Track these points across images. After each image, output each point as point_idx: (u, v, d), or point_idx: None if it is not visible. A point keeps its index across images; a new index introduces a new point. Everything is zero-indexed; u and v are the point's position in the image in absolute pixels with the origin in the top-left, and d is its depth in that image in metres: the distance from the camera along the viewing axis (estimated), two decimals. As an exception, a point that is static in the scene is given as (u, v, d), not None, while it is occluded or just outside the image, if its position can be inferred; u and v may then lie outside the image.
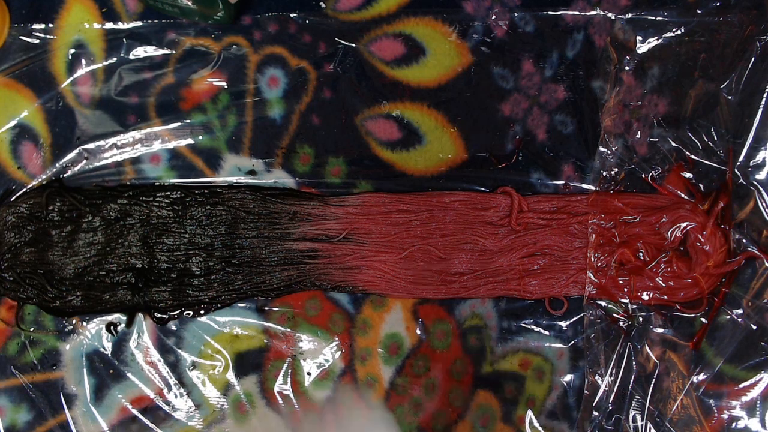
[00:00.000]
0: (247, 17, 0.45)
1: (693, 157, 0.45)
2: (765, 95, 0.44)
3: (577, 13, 0.45)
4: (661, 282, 0.45)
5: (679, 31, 0.45)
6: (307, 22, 0.45)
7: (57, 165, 0.45)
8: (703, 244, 0.44)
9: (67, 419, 0.44)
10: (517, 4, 0.45)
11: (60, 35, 0.45)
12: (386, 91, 0.46)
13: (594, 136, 0.46)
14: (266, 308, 0.45)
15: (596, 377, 0.45)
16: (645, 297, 0.45)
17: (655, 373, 0.45)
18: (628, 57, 0.45)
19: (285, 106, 0.45)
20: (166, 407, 0.45)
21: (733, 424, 0.44)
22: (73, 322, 0.45)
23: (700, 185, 0.45)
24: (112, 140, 0.45)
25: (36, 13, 0.45)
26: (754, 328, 0.43)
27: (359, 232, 0.45)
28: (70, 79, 0.45)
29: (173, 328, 0.45)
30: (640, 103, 0.45)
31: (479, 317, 0.45)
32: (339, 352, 0.45)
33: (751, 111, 0.44)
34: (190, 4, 0.42)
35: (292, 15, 0.46)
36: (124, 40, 0.45)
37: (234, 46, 0.45)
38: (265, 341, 0.45)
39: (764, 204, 0.44)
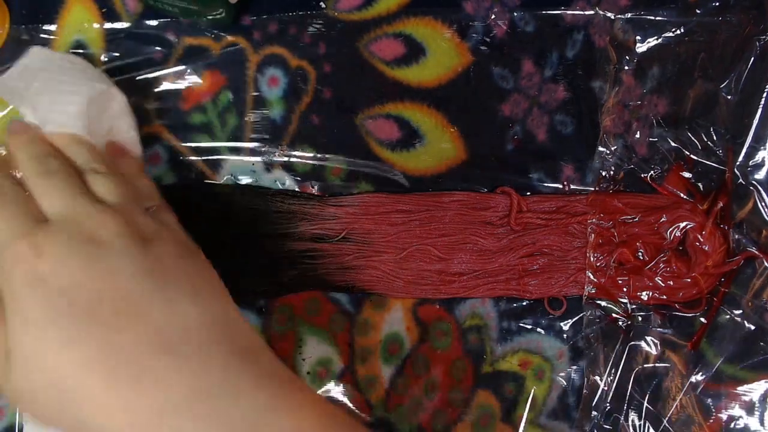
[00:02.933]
0: (247, 17, 0.45)
1: (692, 156, 0.45)
2: (764, 95, 0.44)
3: (577, 12, 0.45)
4: (660, 282, 0.45)
5: (678, 31, 0.45)
6: (307, 22, 0.45)
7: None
8: (702, 244, 0.44)
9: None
10: (516, 4, 0.45)
11: (60, 35, 0.45)
12: (386, 91, 0.46)
13: (594, 136, 0.46)
14: (266, 308, 0.45)
15: (595, 377, 0.45)
16: (644, 297, 0.45)
17: (654, 373, 0.45)
18: (627, 57, 0.45)
19: (285, 106, 0.45)
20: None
21: (732, 424, 0.44)
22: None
23: (700, 185, 0.45)
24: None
25: (36, 13, 0.45)
26: (753, 328, 0.44)
27: (358, 232, 0.45)
28: (70, 79, 0.45)
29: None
30: (639, 102, 0.45)
31: (479, 317, 0.45)
32: (339, 352, 0.45)
33: (750, 111, 0.44)
34: (190, 4, 0.42)
35: (292, 15, 0.46)
36: (124, 40, 0.45)
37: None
38: (265, 341, 0.45)
39: (764, 204, 0.44)
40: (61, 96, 0.38)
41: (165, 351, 0.29)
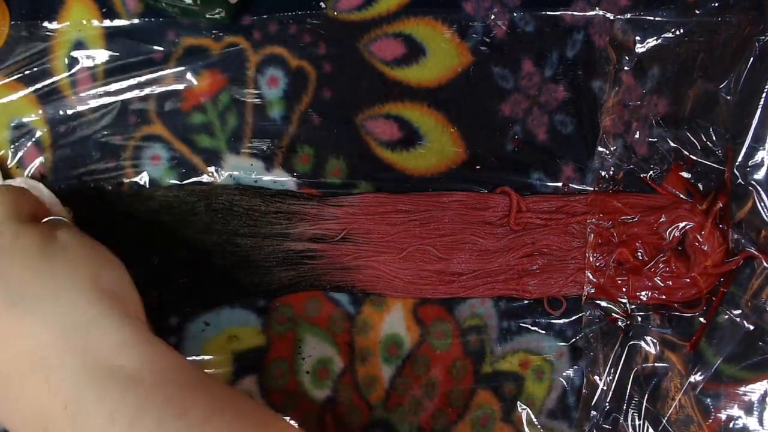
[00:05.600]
0: (247, 17, 0.45)
1: (692, 156, 0.45)
2: (764, 95, 0.44)
3: (576, 13, 0.45)
4: (659, 282, 0.45)
5: (678, 32, 0.45)
6: (307, 22, 0.45)
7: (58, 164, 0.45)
8: (702, 244, 0.44)
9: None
10: (516, 5, 0.45)
11: (60, 34, 0.45)
12: (386, 91, 0.45)
13: (594, 136, 0.46)
14: (266, 308, 0.45)
15: (595, 377, 0.45)
16: (643, 297, 0.45)
17: (654, 373, 0.45)
18: (627, 57, 0.45)
19: (285, 106, 0.45)
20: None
21: (731, 424, 0.44)
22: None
23: (699, 185, 0.45)
24: (112, 140, 0.45)
25: (36, 12, 0.45)
26: (752, 328, 0.44)
27: (358, 233, 0.45)
28: (70, 78, 0.45)
29: (172, 327, 0.45)
30: (639, 103, 0.45)
31: (479, 317, 0.45)
32: (339, 352, 0.45)
33: (749, 111, 0.44)
34: (190, 4, 0.42)
35: (292, 15, 0.45)
36: (124, 39, 0.45)
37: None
38: (265, 341, 0.45)
39: (763, 204, 0.44)
40: None
41: None
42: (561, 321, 0.45)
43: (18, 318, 0.30)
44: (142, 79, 0.45)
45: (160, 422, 0.29)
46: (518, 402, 0.45)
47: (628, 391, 0.45)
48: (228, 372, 0.45)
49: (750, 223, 0.44)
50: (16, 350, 0.29)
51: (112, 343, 0.31)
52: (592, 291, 0.45)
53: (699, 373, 0.44)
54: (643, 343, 0.45)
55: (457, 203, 0.45)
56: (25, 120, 0.45)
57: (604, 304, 0.45)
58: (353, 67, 0.45)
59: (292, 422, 0.43)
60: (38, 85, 0.45)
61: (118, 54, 0.45)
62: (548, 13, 0.45)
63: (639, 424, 0.44)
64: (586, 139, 0.46)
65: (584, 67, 0.46)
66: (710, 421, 0.44)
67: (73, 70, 0.45)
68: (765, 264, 0.44)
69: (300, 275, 0.45)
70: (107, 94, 0.45)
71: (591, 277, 0.45)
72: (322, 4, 0.46)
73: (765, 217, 0.44)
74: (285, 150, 0.45)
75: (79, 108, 0.45)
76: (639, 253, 0.45)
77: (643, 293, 0.45)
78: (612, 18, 0.45)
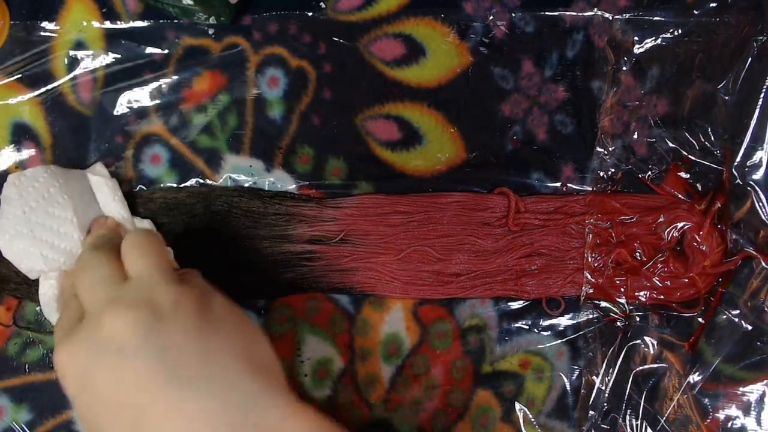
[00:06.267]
0: (247, 17, 0.45)
1: (690, 157, 0.45)
2: (762, 95, 0.44)
3: (576, 13, 0.45)
4: (657, 282, 0.45)
5: (676, 32, 0.45)
6: (307, 22, 0.45)
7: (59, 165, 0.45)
8: (700, 244, 0.44)
9: (68, 419, 0.44)
10: (516, 5, 0.46)
11: (60, 34, 0.45)
12: (386, 91, 0.46)
13: (593, 136, 0.46)
14: (266, 308, 0.45)
15: (593, 377, 0.45)
16: (642, 297, 0.45)
17: (652, 373, 0.45)
18: (625, 58, 0.45)
19: (285, 106, 0.45)
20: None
21: (729, 424, 0.44)
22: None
23: (698, 185, 0.45)
24: (112, 140, 0.45)
25: (36, 12, 0.45)
26: (751, 328, 0.44)
27: (356, 234, 0.45)
28: (70, 79, 0.45)
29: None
30: (638, 103, 0.45)
31: (479, 317, 0.45)
32: (339, 353, 0.45)
33: (748, 111, 0.44)
34: (190, 4, 0.42)
35: (292, 15, 0.45)
36: (124, 40, 0.45)
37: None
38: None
39: (761, 204, 0.44)
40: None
41: None
42: (560, 321, 0.46)
43: (176, 397, 0.28)
44: (142, 79, 0.45)
45: None
46: (518, 402, 0.45)
47: (626, 391, 0.45)
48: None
49: (748, 223, 0.45)
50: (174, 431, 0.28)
51: (272, 419, 0.30)
52: (591, 291, 0.45)
53: (697, 373, 0.44)
54: (641, 343, 0.45)
55: (456, 204, 0.45)
56: (24, 120, 0.45)
57: (602, 304, 0.46)
58: (353, 67, 0.46)
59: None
60: (38, 85, 0.45)
61: (118, 54, 0.45)
62: (548, 13, 0.46)
63: (637, 424, 0.45)
64: (586, 139, 0.46)
65: (584, 68, 0.46)
66: (708, 421, 0.44)
67: (74, 71, 0.45)
68: (763, 264, 0.44)
69: (299, 277, 0.45)
70: (107, 94, 0.45)
71: (589, 277, 0.45)
72: (322, 4, 0.46)
73: (763, 217, 0.44)
74: (285, 150, 0.45)
75: (80, 108, 0.45)
76: (637, 254, 0.45)
77: (642, 293, 0.45)
78: (611, 18, 0.45)
